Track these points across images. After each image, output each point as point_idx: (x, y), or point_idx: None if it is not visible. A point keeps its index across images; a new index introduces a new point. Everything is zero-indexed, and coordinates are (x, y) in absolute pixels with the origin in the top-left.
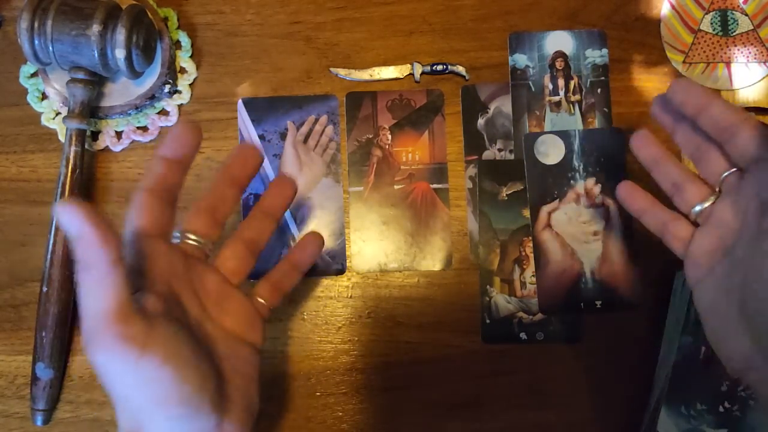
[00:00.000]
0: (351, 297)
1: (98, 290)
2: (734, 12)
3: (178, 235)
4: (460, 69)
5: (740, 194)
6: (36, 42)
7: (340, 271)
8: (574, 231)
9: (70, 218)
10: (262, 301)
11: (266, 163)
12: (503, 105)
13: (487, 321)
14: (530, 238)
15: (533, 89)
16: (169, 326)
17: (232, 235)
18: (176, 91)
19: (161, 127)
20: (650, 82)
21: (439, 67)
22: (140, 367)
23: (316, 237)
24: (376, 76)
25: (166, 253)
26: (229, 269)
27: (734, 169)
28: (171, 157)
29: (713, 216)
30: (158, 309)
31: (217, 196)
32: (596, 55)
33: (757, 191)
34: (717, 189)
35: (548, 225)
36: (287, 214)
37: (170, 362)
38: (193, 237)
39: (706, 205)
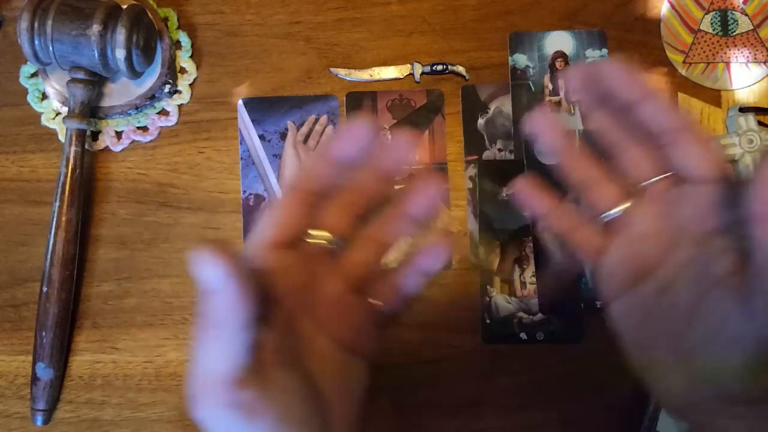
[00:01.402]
0: None
1: (218, 351)
2: (734, 12)
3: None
4: (460, 69)
5: (676, 206)
6: (36, 42)
7: None
8: None
9: (209, 268)
10: (376, 302)
11: (266, 163)
12: (503, 105)
13: (488, 321)
14: (530, 238)
15: (533, 89)
16: (285, 379)
17: (361, 235)
18: (176, 91)
19: (161, 127)
20: (650, 82)
21: (439, 67)
22: (249, 429)
23: (446, 238)
24: (376, 76)
25: (291, 266)
26: (353, 272)
27: (667, 175)
28: (346, 157)
29: (633, 227)
30: (275, 358)
31: (361, 190)
32: (596, 55)
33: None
34: (632, 193)
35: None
36: None
37: (283, 423)
38: (320, 235)
39: (619, 209)
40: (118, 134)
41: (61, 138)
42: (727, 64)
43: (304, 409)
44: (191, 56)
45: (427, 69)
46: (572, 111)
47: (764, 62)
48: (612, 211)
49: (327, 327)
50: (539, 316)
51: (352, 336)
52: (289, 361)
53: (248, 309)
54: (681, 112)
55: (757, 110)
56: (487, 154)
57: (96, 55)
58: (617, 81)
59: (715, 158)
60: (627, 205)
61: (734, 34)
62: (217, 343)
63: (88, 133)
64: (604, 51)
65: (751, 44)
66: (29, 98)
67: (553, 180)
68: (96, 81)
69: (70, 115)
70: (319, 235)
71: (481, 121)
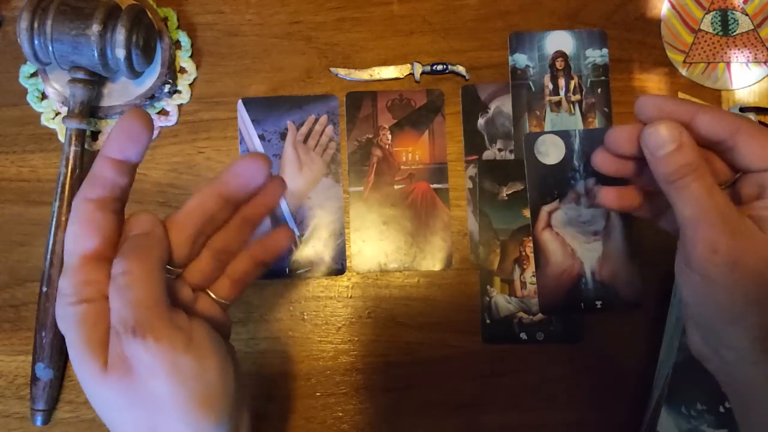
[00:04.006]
0: (351, 297)
1: (145, 280)
2: (734, 12)
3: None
4: (460, 69)
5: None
6: (36, 42)
7: (340, 271)
8: (574, 231)
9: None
10: (221, 300)
11: None
12: (503, 105)
13: (488, 321)
14: (530, 238)
15: (533, 89)
16: (204, 322)
17: (201, 245)
18: (176, 91)
19: (161, 127)
20: (650, 82)
21: (439, 67)
22: (186, 359)
23: (286, 232)
24: (376, 76)
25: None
26: (195, 283)
27: (737, 176)
28: (119, 157)
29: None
30: (185, 311)
31: (199, 211)
32: (596, 55)
33: None
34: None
35: (548, 225)
36: (287, 214)
37: (215, 354)
38: (172, 269)
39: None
40: None
41: (61, 138)
42: (728, 64)
43: (228, 360)
44: (191, 56)
45: (427, 69)
46: (572, 111)
47: (765, 62)
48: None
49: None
50: (539, 316)
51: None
52: (198, 321)
53: (165, 249)
54: (731, 116)
55: (757, 110)
56: (487, 154)
57: (96, 55)
58: (665, 112)
59: None
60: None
61: (734, 33)
62: (145, 274)
63: (88, 133)
64: (605, 51)
65: (752, 44)
66: (29, 98)
67: (553, 180)
68: (96, 81)
69: (70, 115)
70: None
71: (481, 121)
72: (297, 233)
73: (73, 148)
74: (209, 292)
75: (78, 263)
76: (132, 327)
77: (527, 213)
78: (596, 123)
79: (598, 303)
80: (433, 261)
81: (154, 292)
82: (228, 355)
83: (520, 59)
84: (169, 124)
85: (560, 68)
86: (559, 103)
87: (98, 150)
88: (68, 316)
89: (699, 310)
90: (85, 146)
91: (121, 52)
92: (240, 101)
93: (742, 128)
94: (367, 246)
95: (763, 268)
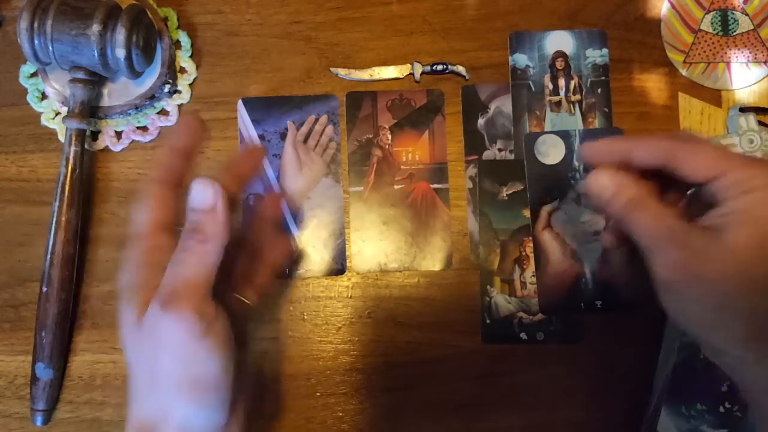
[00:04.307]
0: (351, 297)
1: (198, 262)
2: (734, 12)
3: None
4: (460, 69)
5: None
6: (36, 42)
7: (340, 271)
8: (574, 231)
9: (210, 189)
10: (248, 301)
11: (266, 163)
12: (503, 105)
13: (488, 321)
14: (530, 238)
15: (533, 89)
16: (225, 315)
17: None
18: (176, 91)
19: (161, 127)
20: (650, 82)
21: (439, 67)
22: (199, 344)
23: (285, 242)
24: (376, 76)
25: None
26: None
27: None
28: (180, 146)
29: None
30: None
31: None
32: (596, 55)
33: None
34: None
35: (548, 225)
36: (287, 215)
37: (225, 347)
38: None
39: None
40: (118, 134)
41: (61, 138)
42: (728, 64)
43: (235, 353)
44: (191, 56)
45: (427, 69)
46: (572, 111)
47: (764, 62)
48: None
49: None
50: (539, 316)
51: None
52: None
53: (228, 232)
54: (664, 142)
55: (757, 110)
56: (487, 154)
57: (96, 54)
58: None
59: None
60: None
61: (734, 34)
62: (200, 255)
63: (88, 133)
64: (605, 51)
65: (752, 44)
66: (29, 98)
67: (553, 180)
68: (96, 81)
69: (70, 115)
70: None
71: (481, 121)
72: (297, 234)
73: (73, 148)
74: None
75: (143, 231)
76: (165, 298)
77: (527, 213)
78: (596, 123)
79: (598, 303)
80: (433, 261)
81: (201, 275)
82: (234, 351)
83: (520, 59)
84: (169, 124)
85: (560, 68)
86: (559, 103)
87: (98, 150)
88: (126, 271)
89: (684, 324)
90: (85, 146)
91: (121, 52)
92: (240, 101)
93: (677, 153)
94: (367, 246)
95: (724, 274)
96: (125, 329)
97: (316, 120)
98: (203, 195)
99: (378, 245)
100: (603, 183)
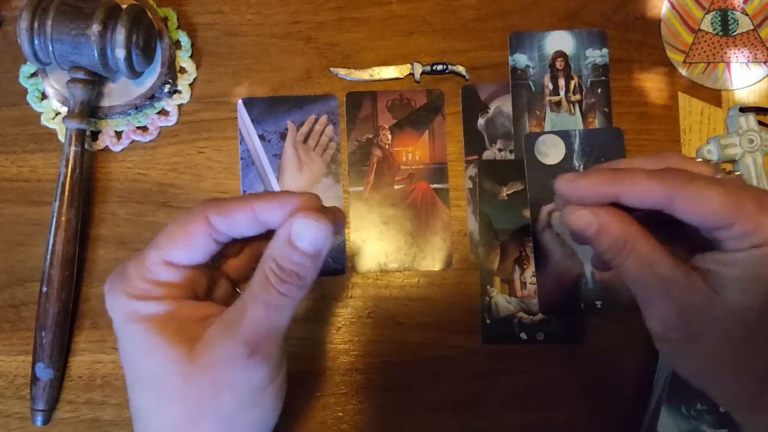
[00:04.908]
0: (351, 297)
1: (292, 307)
2: (734, 12)
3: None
4: (461, 69)
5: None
6: (36, 42)
7: (340, 271)
8: None
9: (322, 231)
10: None
11: (266, 163)
12: (503, 105)
13: (488, 321)
14: (530, 238)
15: (533, 89)
16: (285, 361)
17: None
18: (176, 91)
19: (161, 127)
20: (650, 82)
21: (439, 67)
22: (268, 389)
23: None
24: (376, 76)
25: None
26: (233, 277)
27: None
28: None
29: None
30: (229, 297)
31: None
32: (596, 55)
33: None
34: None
35: (548, 225)
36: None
37: (284, 390)
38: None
39: None
40: (118, 134)
41: (61, 138)
42: (728, 63)
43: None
44: (191, 56)
45: (427, 69)
46: (572, 111)
47: (765, 62)
48: None
49: None
50: (539, 316)
51: None
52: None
53: (308, 285)
54: (662, 186)
55: (757, 110)
56: (487, 154)
57: (96, 54)
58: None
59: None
60: None
61: (734, 33)
62: (295, 302)
63: (88, 133)
64: (605, 51)
65: (752, 44)
66: (29, 98)
67: (553, 180)
68: (96, 81)
69: (70, 115)
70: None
71: (481, 121)
72: None
73: (73, 148)
74: (237, 290)
75: (162, 264)
76: (255, 346)
77: (527, 213)
78: (596, 123)
79: (598, 303)
80: (433, 261)
81: (287, 321)
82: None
83: (520, 59)
84: (169, 124)
85: (560, 68)
86: (559, 103)
87: (98, 150)
88: (144, 309)
89: (678, 371)
90: (85, 146)
91: (121, 52)
92: (240, 101)
93: (676, 196)
94: (367, 246)
95: (728, 338)
96: (169, 366)
97: (316, 120)
98: (315, 236)
99: (378, 245)
100: (585, 220)
